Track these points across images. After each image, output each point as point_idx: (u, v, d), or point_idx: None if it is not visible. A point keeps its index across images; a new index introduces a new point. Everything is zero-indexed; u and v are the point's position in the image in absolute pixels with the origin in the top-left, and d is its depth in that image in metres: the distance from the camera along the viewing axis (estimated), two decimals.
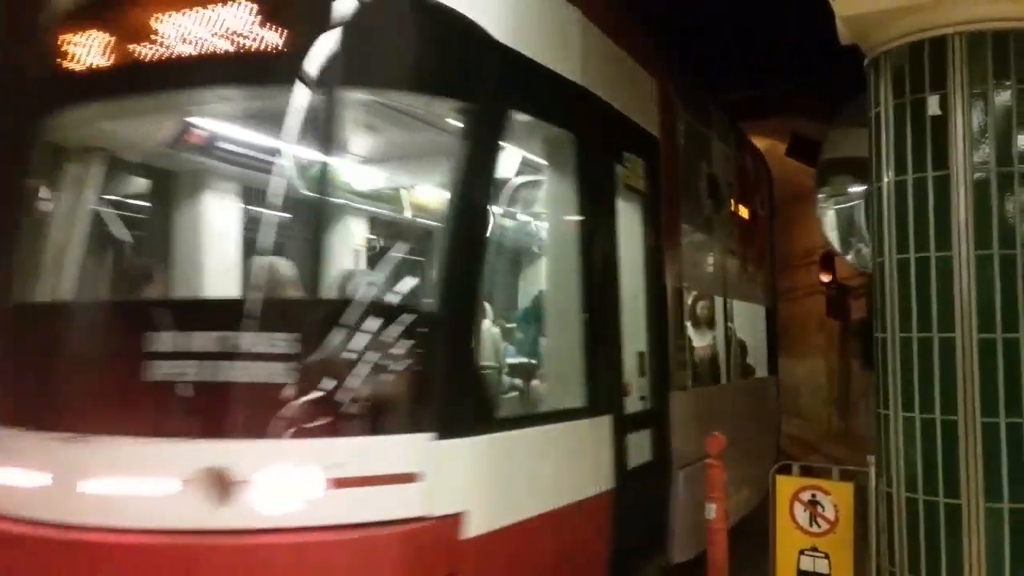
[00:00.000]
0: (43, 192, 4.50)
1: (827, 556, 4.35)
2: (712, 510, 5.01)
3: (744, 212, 8.51)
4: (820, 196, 5.41)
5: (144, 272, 4.70)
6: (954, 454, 3.36)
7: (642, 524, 4.72)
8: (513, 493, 3.87)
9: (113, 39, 3.90)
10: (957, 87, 3.41)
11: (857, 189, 5.18)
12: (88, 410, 3.49)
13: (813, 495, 4.39)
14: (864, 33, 3.68)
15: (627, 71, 5.45)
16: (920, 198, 3.49)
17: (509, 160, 4.33)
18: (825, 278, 18.48)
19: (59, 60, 4.01)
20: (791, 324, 22.82)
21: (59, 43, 4.02)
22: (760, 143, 20.74)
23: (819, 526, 4.37)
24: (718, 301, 7.41)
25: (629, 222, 5.18)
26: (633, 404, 5.08)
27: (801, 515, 4.42)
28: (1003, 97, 3.39)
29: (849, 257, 5.49)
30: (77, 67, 3.98)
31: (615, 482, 4.63)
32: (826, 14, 3.70)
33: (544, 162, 4.64)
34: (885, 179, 3.62)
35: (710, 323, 7.24)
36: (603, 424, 4.66)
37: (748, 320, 8.67)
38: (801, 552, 4.41)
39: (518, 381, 4.79)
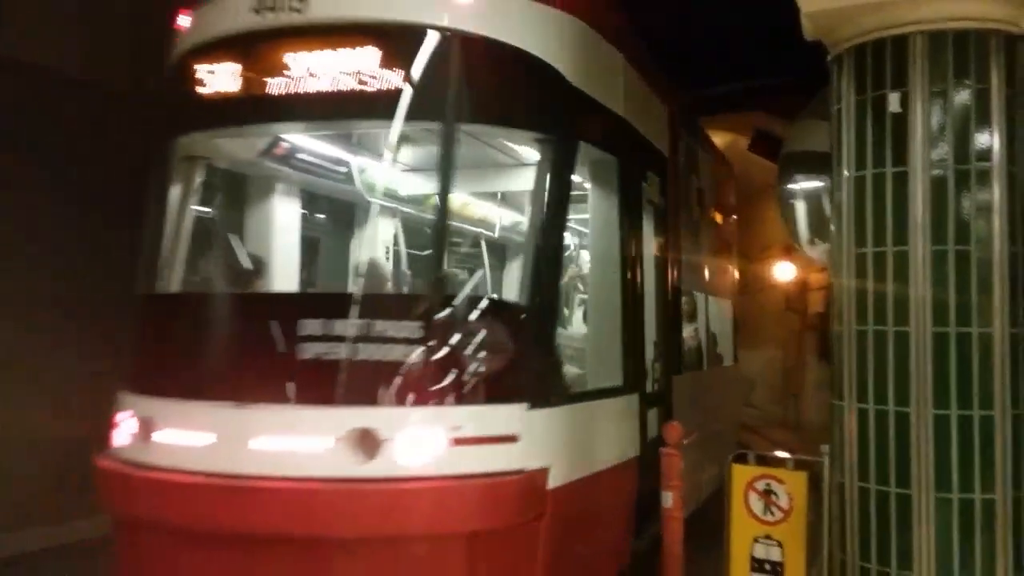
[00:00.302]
0: (212, 201, 5.87)
1: (780, 544, 4.42)
2: (668, 498, 5.06)
3: (718, 215, 9.49)
4: (785, 189, 5.47)
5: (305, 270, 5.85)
6: (906, 445, 3.43)
7: (653, 485, 5.28)
8: (579, 455, 4.72)
9: (262, 76, 4.71)
10: (917, 85, 3.47)
11: (815, 184, 5.25)
12: (253, 384, 4.29)
13: (768, 484, 4.45)
14: (828, 29, 3.73)
15: (649, 101, 6.36)
16: (879, 194, 3.55)
17: (576, 180, 5.10)
18: (784, 272, 18.71)
19: (205, 90, 4.86)
20: (749, 317, 23.05)
21: (213, 77, 4.87)
22: (722, 138, 20.91)
23: (773, 515, 4.44)
24: (698, 296, 8.14)
25: (649, 230, 6.13)
26: (650, 385, 6.03)
27: (756, 504, 4.49)
28: (962, 96, 3.45)
29: (813, 253, 5.56)
30: (212, 94, 4.85)
31: (640, 450, 5.54)
32: (790, 11, 3.74)
33: (593, 181, 5.47)
34: (845, 174, 3.67)
35: (692, 316, 7.88)
36: (634, 401, 5.63)
37: (717, 313, 9.40)
38: (755, 540, 4.48)
39: (579, 364, 5.47)
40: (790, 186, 5.52)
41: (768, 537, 4.44)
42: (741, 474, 4.53)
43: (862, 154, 3.60)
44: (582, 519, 4.64)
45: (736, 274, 11.91)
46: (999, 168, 3.44)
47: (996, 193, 3.43)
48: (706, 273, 8.65)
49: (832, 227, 3.79)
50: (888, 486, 3.46)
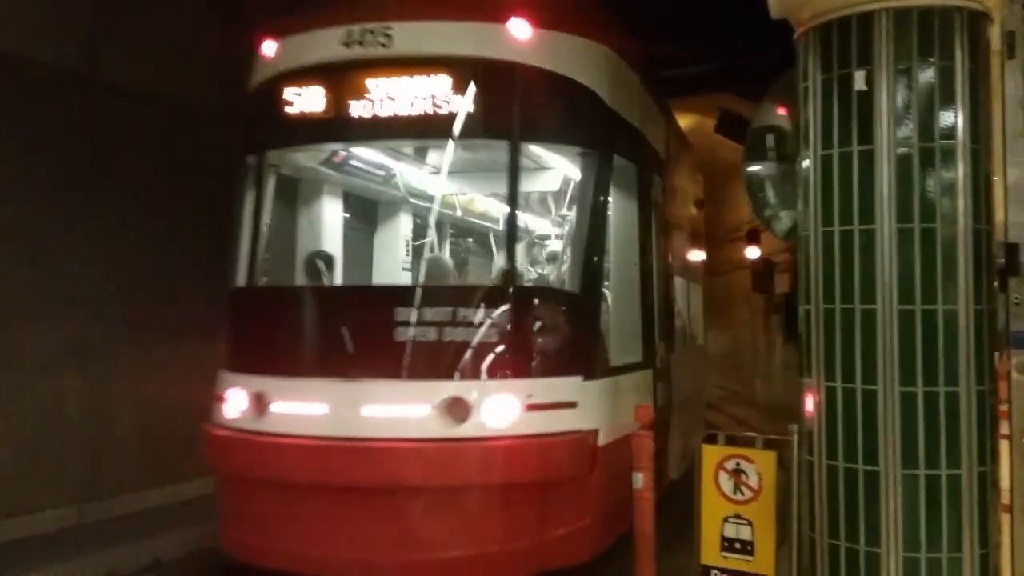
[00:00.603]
0: (309, 206, 6.94)
1: (750, 523, 4.44)
2: (640, 479, 5.08)
3: (693, 206, 10.39)
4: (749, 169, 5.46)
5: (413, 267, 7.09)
6: (873, 422, 3.45)
7: (660, 446, 6.02)
8: (616, 419, 5.60)
9: (331, 94, 5.67)
10: (883, 63, 3.47)
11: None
12: (361, 362, 5.25)
13: (738, 464, 4.48)
14: (794, 8, 3.72)
15: (654, 113, 7.29)
16: (845, 172, 3.55)
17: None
18: (751, 253, 18.83)
19: (296, 110, 5.77)
20: (717, 298, 23.21)
21: (304, 100, 5.78)
22: (688, 120, 20.95)
23: (743, 494, 4.46)
24: (678, 281, 8.84)
25: (655, 226, 7.01)
26: (658, 361, 6.97)
27: (726, 483, 4.51)
28: (926, 74, 3.46)
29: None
30: (303, 114, 5.76)
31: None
32: None
33: (616, 185, 6.11)
34: (812, 152, 3.67)
35: (679, 300, 8.86)
36: (648, 375, 6.61)
37: (693, 297, 10.36)
38: (725, 519, 4.51)
39: (613, 344, 6.11)
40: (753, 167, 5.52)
41: (738, 516, 4.47)
42: (711, 454, 4.55)
43: (828, 133, 3.61)
44: (618, 471, 5.31)
45: (704, 258, 13.04)
46: (963, 146, 3.46)
47: (960, 171, 3.45)
48: (686, 261, 9.56)
49: (799, 206, 3.79)
50: (856, 463, 3.48)
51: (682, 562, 6.46)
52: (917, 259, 3.42)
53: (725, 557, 4.48)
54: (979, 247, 3.46)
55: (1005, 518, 3.52)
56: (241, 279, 6.09)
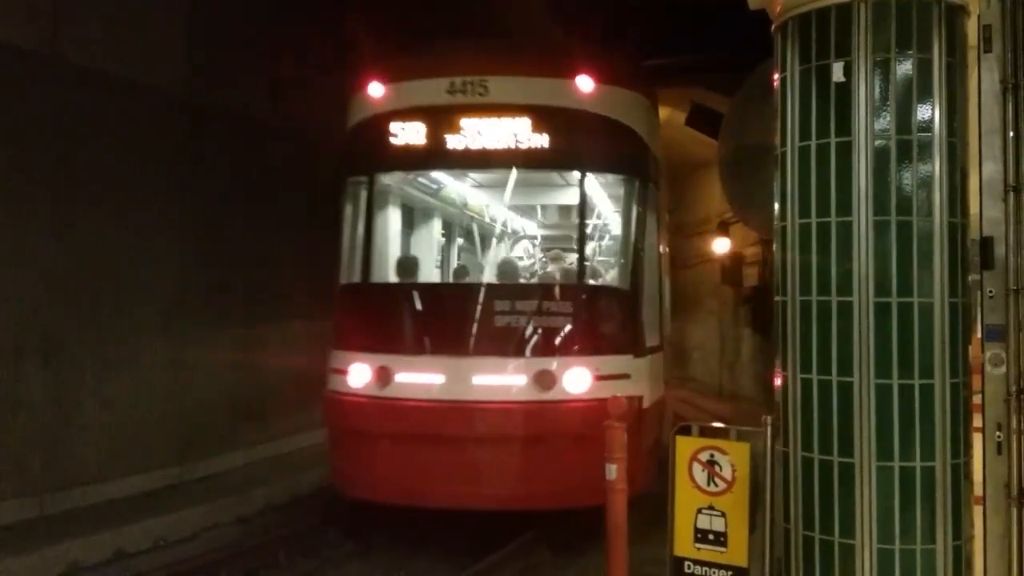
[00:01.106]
0: (417, 218, 9.02)
1: (724, 514, 4.44)
2: (612, 471, 5.08)
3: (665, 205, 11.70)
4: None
5: (501, 269, 8.32)
6: (849, 415, 3.45)
7: (661, 413, 8.11)
8: (651, 389, 7.51)
9: (435, 130, 7.34)
10: (861, 55, 3.46)
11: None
12: (472, 344, 6.95)
13: (711, 455, 4.47)
14: None
15: (657, 133, 8.67)
16: (823, 164, 3.55)
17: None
18: (720, 247, 18.93)
19: (403, 142, 7.40)
20: (686, 290, 23.32)
21: (412, 134, 7.39)
22: (660, 113, 20.88)
23: (716, 485, 4.46)
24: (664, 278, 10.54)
25: (660, 231, 8.49)
26: (665, 344, 8.74)
27: (699, 475, 4.50)
28: (905, 67, 3.46)
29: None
30: (410, 145, 7.40)
31: (663, 392, 8.27)
32: None
33: (640, 199, 7.71)
34: (789, 144, 3.66)
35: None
36: (660, 356, 8.23)
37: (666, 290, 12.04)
38: (699, 511, 4.50)
39: (646, 331, 7.76)
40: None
41: (711, 507, 4.47)
42: (685, 446, 4.54)
43: (806, 124, 3.60)
44: (652, 426, 7.47)
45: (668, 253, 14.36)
46: (940, 139, 3.46)
47: (937, 164, 3.45)
48: (665, 258, 10.83)
49: (776, 198, 3.78)
50: (831, 455, 3.49)
51: (653, 552, 6.50)
52: (893, 252, 3.43)
53: (698, 548, 4.48)
54: (955, 240, 3.47)
55: (977, 510, 3.54)
56: (357, 277, 7.68)
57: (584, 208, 7.70)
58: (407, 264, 8.16)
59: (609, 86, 7.39)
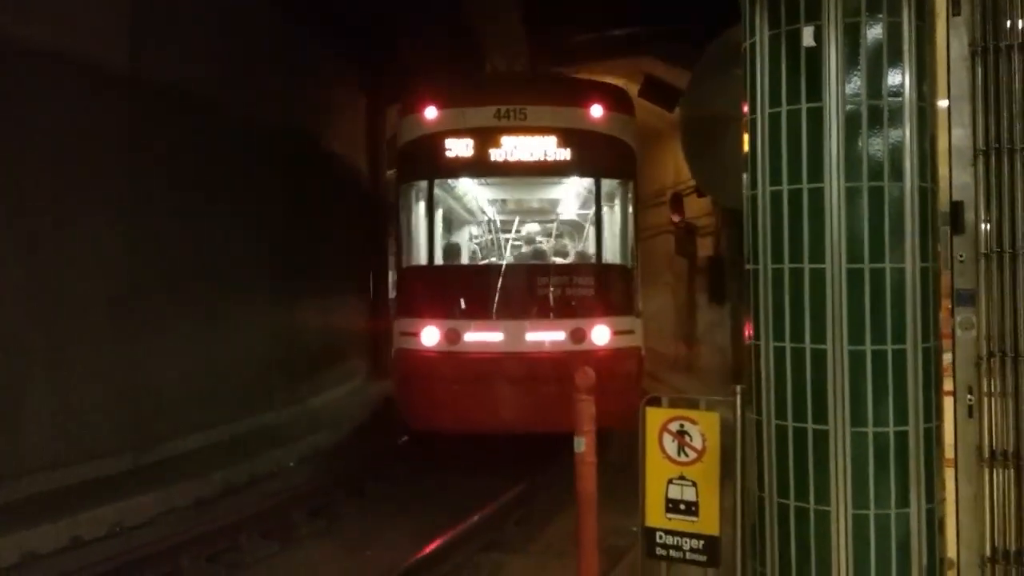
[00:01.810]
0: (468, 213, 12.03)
1: (694, 484, 4.43)
2: (581, 443, 5.04)
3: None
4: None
5: (534, 252, 11.65)
6: (822, 382, 3.44)
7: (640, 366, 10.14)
8: (643, 340, 9.97)
9: (482, 146, 9.53)
10: (831, 19, 3.43)
11: None
12: (524, 311, 9.26)
13: (681, 425, 4.46)
14: None
15: (639, 139, 10.71)
16: (793, 130, 3.51)
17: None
18: (675, 218, 19.00)
19: (456, 155, 9.60)
20: (642, 261, 23.42)
21: (464, 148, 9.60)
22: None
23: (687, 455, 4.45)
24: None
25: (637, 217, 10.58)
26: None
27: (669, 445, 4.49)
28: (875, 31, 3.43)
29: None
30: (462, 157, 9.62)
31: (642, 343, 10.04)
32: None
33: (628, 194, 10.34)
34: (759, 111, 3.63)
35: None
36: (639, 320, 10.06)
37: None
38: (669, 481, 4.49)
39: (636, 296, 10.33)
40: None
41: (682, 477, 4.46)
42: (655, 416, 4.52)
43: (776, 90, 3.56)
44: (642, 367, 9.97)
45: None
46: (910, 103, 3.45)
47: (908, 129, 3.44)
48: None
49: (746, 166, 3.74)
50: (805, 423, 3.48)
51: (615, 521, 6.53)
52: (865, 218, 3.41)
53: (670, 519, 4.47)
54: (925, 205, 3.47)
55: (949, 473, 3.56)
56: (422, 261, 9.88)
57: (599, 204, 10.07)
58: (463, 250, 11.44)
59: (612, 112, 9.90)
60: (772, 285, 3.57)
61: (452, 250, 11.02)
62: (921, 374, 3.43)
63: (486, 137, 9.53)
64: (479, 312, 9.30)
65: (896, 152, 3.43)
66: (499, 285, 9.44)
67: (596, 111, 9.73)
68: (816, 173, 3.46)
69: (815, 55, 3.46)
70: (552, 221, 12.71)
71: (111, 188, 9.04)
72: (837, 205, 3.43)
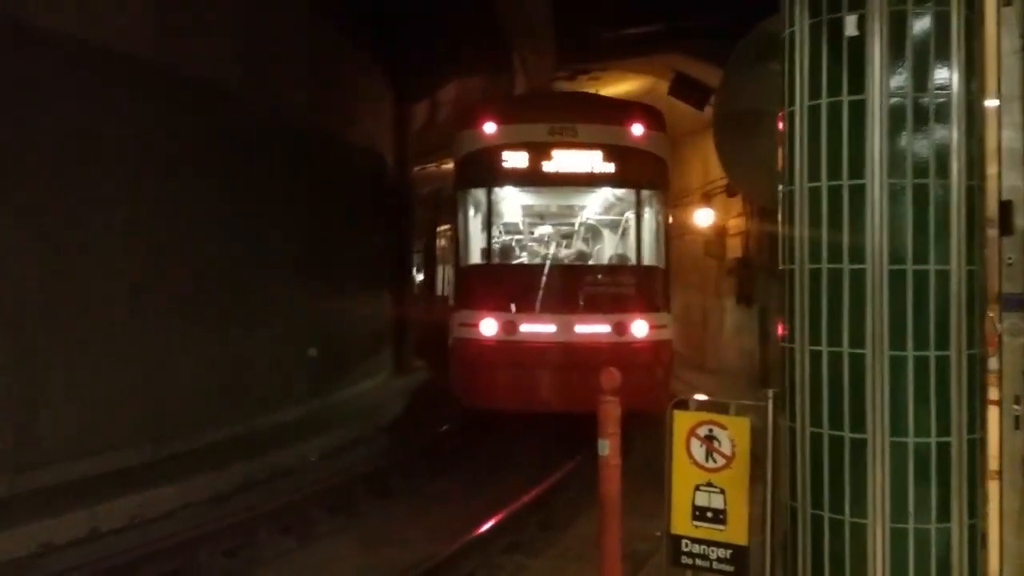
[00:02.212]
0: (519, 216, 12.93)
1: (723, 491, 4.29)
2: (606, 446, 4.91)
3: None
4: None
5: (580, 254, 12.59)
6: (861, 389, 3.28)
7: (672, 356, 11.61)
8: (673, 335, 11.61)
9: (536, 159, 10.89)
10: (876, 7, 3.26)
11: None
12: (574, 306, 10.58)
13: (710, 430, 4.31)
14: None
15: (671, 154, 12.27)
16: (834, 124, 3.35)
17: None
18: (703, 218, 18.76)
19: (512, 166, 10.98)
20: (673, 261, 23.18)
21: (521, 159, 10.97)
22: (640, 82, 20.70)
23: (715, 461, 4.30)
24: None
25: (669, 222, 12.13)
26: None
27: (697, 450, 4.34)
28: (922, 21, 3.26)
29: None
30: (518, 168, 10.99)
31: (673, 337, 11.61)
32: None
33: (665, 205, 11.75)
34: (798, 103, 3.46)
35: None
36: (670, 316, 11.59)
37: None
38: (696, 487, 4.35)
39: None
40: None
41: (710, 484, 4.31)
42: (682, 420, 4.38)
43: (816, 82, 3.39)
44: (672, 358, 11.35)
45: None
46: (958, 97, 3.27)
47: (955, 123, 3.26)
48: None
49: (783, 161, 3.58)
50: (842, 431, 3.32)
51: (639, 526, 6.38)
52: (909, 217, 3.24)
53: (696, 526, 4.33)
54: (972, 205, 3.29)
55: (993, 486, 3.39)
56: (479, 260, 11.17)
57: (639, 212, 11.38)
58: (517, 250, 12.68)
59: (650, 130, 11.21)
60: (809, 286, 3.41)
61: (507, 251, 12.29)
62: (965, 382, 3.25)
63: (540, 150, 10.89)
64: (533, 306, 10.60)
65: (942, 149, 3.25)
66: (550, 283, 10.82)
67: (637, 129, 11.04)
68: (857, 169, 3.29)
69: (858, 45, 3.29)
70: (596, 226, 13.63)
71: (134, 178, 9.01)
72: (879, 203, 3.26)
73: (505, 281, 11.21)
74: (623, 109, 12.15)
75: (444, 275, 17.57)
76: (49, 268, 8.01)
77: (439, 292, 18.56)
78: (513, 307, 10.50)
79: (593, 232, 13.75)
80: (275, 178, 11.81)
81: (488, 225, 11.23)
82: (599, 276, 11.43)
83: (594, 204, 12.83)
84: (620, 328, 10.43)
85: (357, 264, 15.47)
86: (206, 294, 10.17)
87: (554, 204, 13.00)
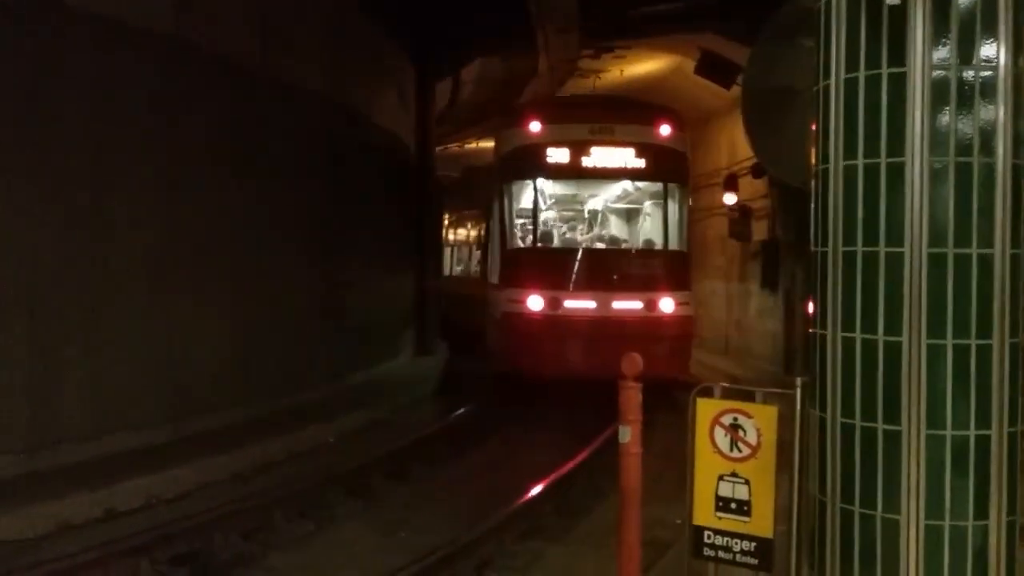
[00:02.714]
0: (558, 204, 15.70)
1: (747, 482, 4.14)
2: (627, 433, 4.77)
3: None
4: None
5: (615, 239, 15.04)
6: (896, 378, 3.11)
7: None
8: (694, 309, 13.95)
9: (578, 155, 13.16)
10: None
11: None
12: (611, 286, 12.58)
13: (735, 419, 4.15)
14: None
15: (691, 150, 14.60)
16: (872, 98, 3.16)
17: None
18: (729, 200, 18.50)
19: (557, 160, 13.29)
20: (692, 244, 22.93)
21: (564, 154, 13.26)
22: (666, 61, 20.39)
23: (740, 451, 4.15)
24: None
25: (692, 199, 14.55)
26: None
27: (721, 440, 4.19)
28: None
29: None
30: (562, 163, 13.33)
31: (694, 312, 13.95)
32: None
33: (687, 196, 14.16)
34: (833, 76, 3.28)
35: None
36: (691, 293, 13.68)
37: None
38: (720, 478, 4.20)
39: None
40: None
41: (734, 474, 4.16)
42: (706, 408, 4.22)
43: (854, 54, 3.21)
44: (693, 330, 13.49)
45: None
46: (1005, 71, 3.08)
47: (1001, 99, 3.07)
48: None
49: (817, 138, 3.41)
50: (875, 422, 3.15)
51: (659, 513, 6.26)
52: (951, 197, 3.06)
53: (720, 517, 4.18)
54: (1019, 186, 3.11)
55: None
56: (525, 244, 13.45)
57: (667, 202, 13.54)
58: (559, 235, 14.79)
59: (676, 131, 13.29)
60: (843, 269, 3.24)
61: (551, 236, 14.30)
62: (1008, 372, 3.08)
63: (582, 147, 12.99)
64: (576, 285, 12.55)
65: (987, 126, 3.07)
66: (589, 265, 12.94)
67: (665, 130, 13.18)
68: (896, 146, 3.11)
69: (899, 15, 3.10)
70: (629, 215, 15.69)
71: (151, 157, 8.92)
72: (919, 182, 3.08)
73: (550, 263, 13.24)
74: (652, 111, 14.08)
75: (475, 256, 18.72)
76: (66, 245, 7.95)
77: (471, 272, 19.05)
78: (556, 285, 12.40)
79: (627, 220, 15.69)
80: (295, 156, 11.70)
81: (535, 213, 13.60)
82: (632, 259, 13.57)
83: (628, 195, 15.00)
84: (651, 305, 12.50)
85: (379, 243, 15.37)
86: (225, 274, 10.09)
87: (593, 194, 15.28)
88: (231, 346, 10.17)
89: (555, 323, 12.16)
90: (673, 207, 13.56)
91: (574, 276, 12.53)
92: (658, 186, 13.64)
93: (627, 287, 12.54)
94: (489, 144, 20.78)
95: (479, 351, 15.53)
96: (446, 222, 21.91)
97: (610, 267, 12.94)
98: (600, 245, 14.33)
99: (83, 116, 8.05)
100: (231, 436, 9.37)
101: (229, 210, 10.14)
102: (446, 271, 21.57)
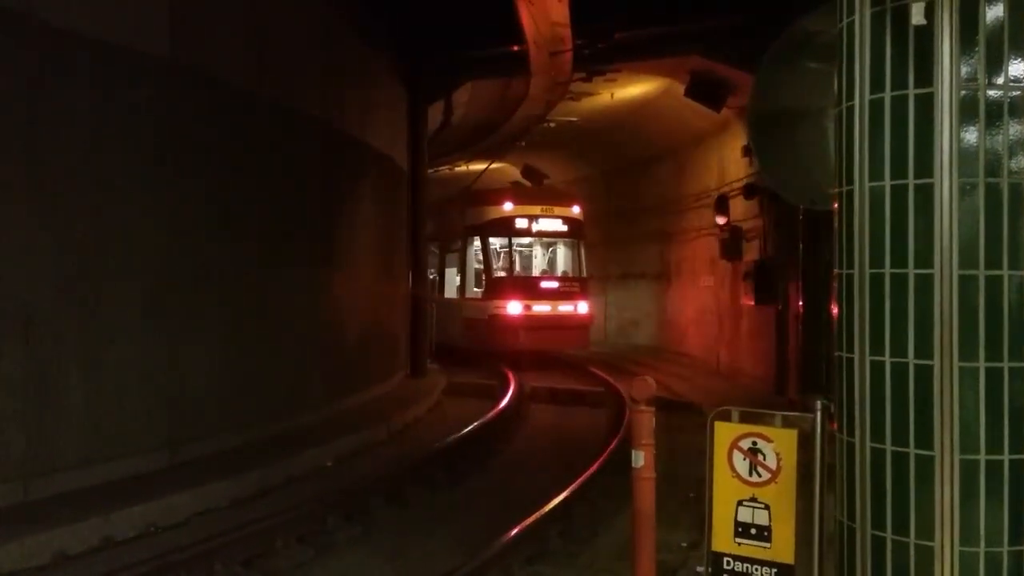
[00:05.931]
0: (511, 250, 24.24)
1: (767, 507, 4.08)
2: (640, 457, 4.71)
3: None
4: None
5: (555, 270, 24.65)
6: (928, 402, 3.07)
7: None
8: (592, 310, 24.49)
9: (531, 222, 23.11)
10: None
11: None
12: (553, 297, 22.37)
13: (754, 443, 4.11)
14: None
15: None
16: (899, 118, 3.14)
17: None
18: (720, 220, 18.54)
19: (521, 226, 23.15)
20: (683, 264, 22.99)
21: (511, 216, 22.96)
22: (654, 84, 20.46)
23: (759, 475, 4.10)
24: None
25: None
26: None
27: (740, 464, 4.14)
28: (995, 9, 3.04)
29: None
30: (523, 227, 23.27)
31: (592, 312, 24.58)
32: None
33: (585, 247, 24.59)
34: (858, 97, 3.25)
35: None
36: (590, 301, 23.94)
37: None
38: (739, 503, 4.14)
39: None
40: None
41: (754, 499, 4.11)
42: (724, 432, 4.17)
43: (879, 74, 3.18)
44: (592, 322, 24.35)
45: None
46: None
47: None
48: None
49: (840, 159, 3.38)
50: (907, 447, 3.11)
51: (664, 536, 6.18)
52: (981, 218, 3.03)
53: (739, 543, 4.12)
54: None
55: None
56: (502, 274, 22.88)
57: (579, 249, 23.31)
58: (522, 268, 24.13)
59: (580, 207, 23.46)
60: (870, 292, 3.20)
61: (517, 267, 23.71)
62: None
63: (535, 218, 22.62)
64: (537, 297, 21.84)
65: (1017, 145, 3.05)
66: (542, 284, 22.57)
67: (576, 209, 23.27)
68: (924, 167, 3.08)
69: (925, 35, 3.08)
70: (560, 256, 24.22)
71: (148, 179, 8.84)
72: (948, 203, 3.04)
73: (521, 284, 22.70)
74: (570, 197, 24.16)
75: (460, 281, 25.34)
76: (64, 270, 7.84)
77: (455, 294, 24.98)
78: (525, 297, 21.71)
79: (559, 259, 24.16)
80: (290, 177, 11.63)
81: (511, 255, 23.25)
82: (563, 282, 22.86)
83: (559, 245, 24.03)
84: (575, 307, 22.20)
85: (371, 268, 15.31)
86: (221, 297, 9.99)
87: (540, 244, 24.42)
88: (229, 371, 10.05)
89: (527, 320, 21.37)
90: (582, 252, 23.23)
91: (536, 292, 22.03)
92: (573, 239, 23.30)
93: (563, 297, 22.08)
94: (479, 166, 27.70)
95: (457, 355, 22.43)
96: (454, 255, 26.08)
97: (554, 286, 22.45)
98: (547, 273, 23.94)
99: (79, 137, 7.98)
100: (229, 461, 9.25)
101: (227, 234, 10.06)
102: (454, 293, 25.85)
